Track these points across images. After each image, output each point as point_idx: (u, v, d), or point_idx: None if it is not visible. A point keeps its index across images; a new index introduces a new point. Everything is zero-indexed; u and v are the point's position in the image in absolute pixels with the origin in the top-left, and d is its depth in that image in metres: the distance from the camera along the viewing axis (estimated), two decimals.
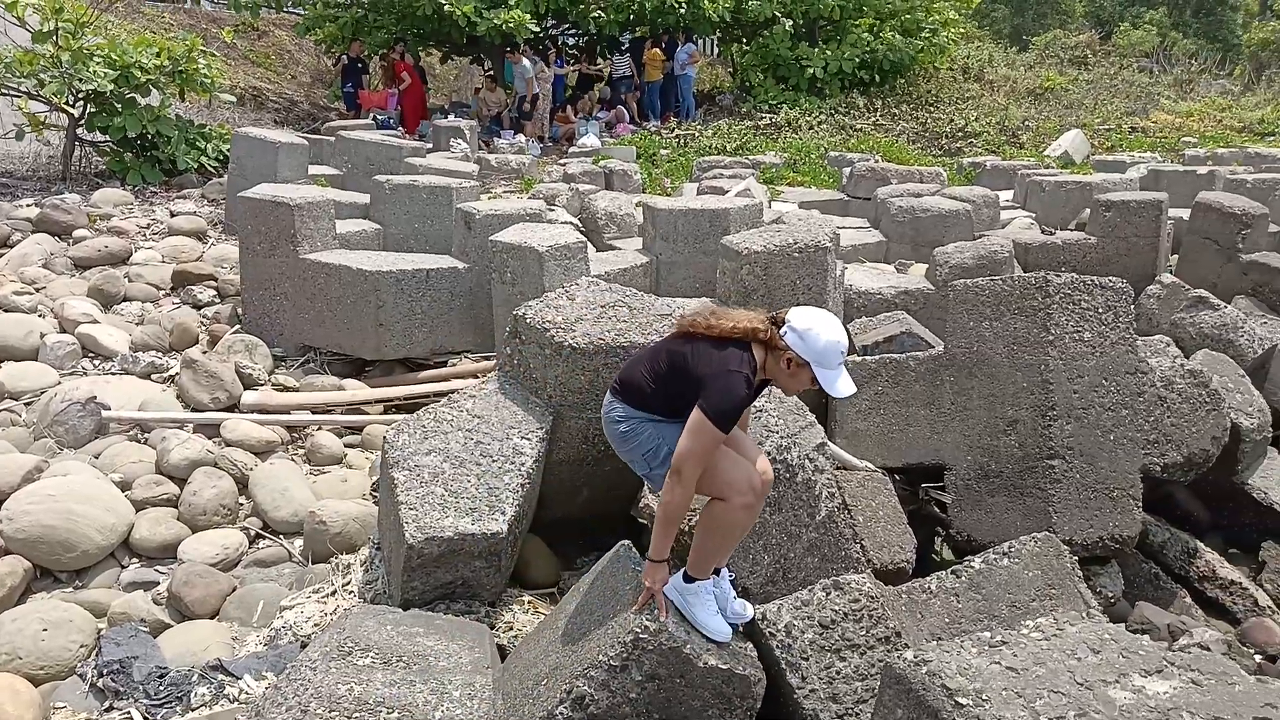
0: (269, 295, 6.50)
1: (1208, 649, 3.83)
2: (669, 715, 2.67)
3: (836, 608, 2.91)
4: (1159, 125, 16.68)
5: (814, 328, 2.78)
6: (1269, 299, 6.75)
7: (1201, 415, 4.40)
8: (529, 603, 3.80)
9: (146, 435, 5.14)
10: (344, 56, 16.80)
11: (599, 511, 4.24)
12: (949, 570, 3.10)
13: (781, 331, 2.81)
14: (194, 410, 5.41)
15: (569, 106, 16.41)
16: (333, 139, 10.78)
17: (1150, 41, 26.36)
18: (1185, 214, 7.84)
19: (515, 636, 3.53)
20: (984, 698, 1.92)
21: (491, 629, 3.48)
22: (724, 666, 2.71)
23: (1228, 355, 5.27)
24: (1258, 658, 4.06)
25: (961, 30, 20.89)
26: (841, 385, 2.80)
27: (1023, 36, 29.27)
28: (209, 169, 11.07)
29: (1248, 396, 4.90)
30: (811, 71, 17.45)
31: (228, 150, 10.66)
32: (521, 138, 15.02)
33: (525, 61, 15.91)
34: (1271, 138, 15.91)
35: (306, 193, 6.71)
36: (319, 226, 6.46)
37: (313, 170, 9.53)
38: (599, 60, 17.92)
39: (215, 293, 7.43)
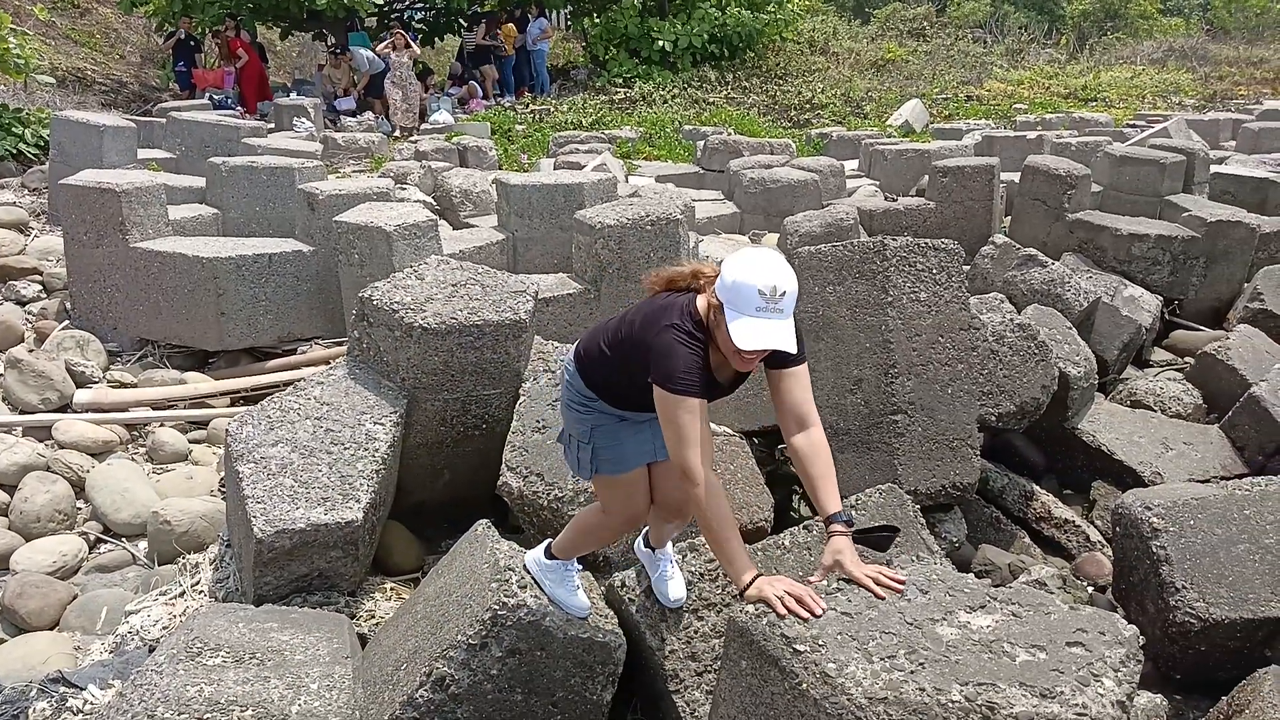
0: (99, 288, 6.13)
1: (1044, 584, 4.10)
2: (531, 688, 2.68)
3: (693, 569, 2.97)
4: (992, 94, 17.53)
5: (735, 265, 2.37)
6: (1093, 255, 7.20)
7: (1031, 366, 4.66)
8: (391, 589, 3.73)
9: None
10: (177, 33, 15.89)
11: (462, 494, 4.19)
12: (801, 525, 3.20)
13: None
14: (22, 413, 5.07)
15: (421, 81, 15.99)
16: (164, 120, 10.22)
17: (983, 13, 27.57)
18: (1016, 177, 8.27)
19: (377, 624, 3.46)
20: (820, 643, 2.01)
21: (352, 618, 3.41)
22: (584, 635, 2.73)
23: (1056, 309, 5.60)
24: (1089, 589, 4.36)
25: (806, 4, 21.40)
26: (744, 332, 2.31)
27: (865, 9, 30.16)
28: (28, 156, 10.32)
29: (1075, 347, 5.22)
30: (662, 45, 17.57)
31: (48, 135, 9.97)
32: (369, 115, 14.57)
33: (363, 52, 15.35)
34: (1094, 103, 16.94)
35: (134, 177, 6.34)
36: (150, 213, 6.12)
37: (143, 154, 9.01)
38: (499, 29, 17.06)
39: (41, 287, 6.96)
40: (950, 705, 1.91)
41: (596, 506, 2.92)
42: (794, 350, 2.39)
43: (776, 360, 2.49)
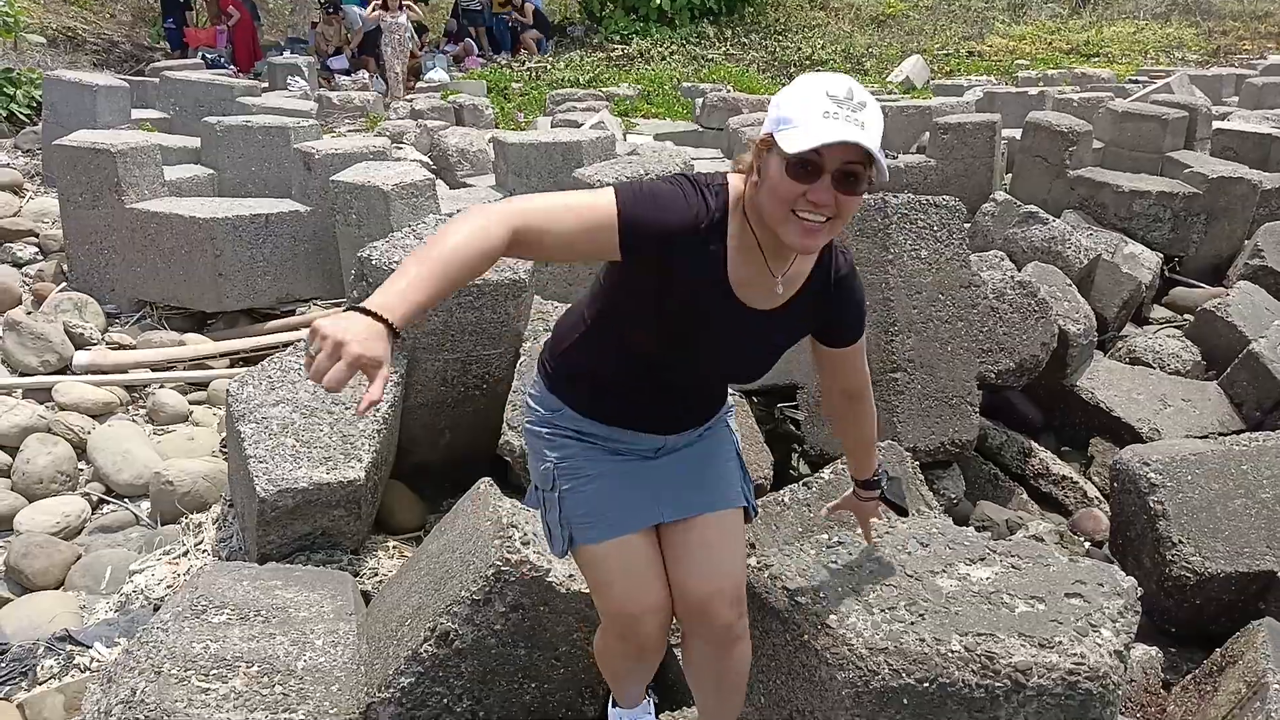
0: (96, 249, 6.10)
1: (1041, 539, 4.13)
2: (534, 643, 2.70)
3: None
4: (994, 49, 17.34)
5: (790, 87, 1.71)
6: (1094, 212, 7.18)
7: (1031, 323, 4.66)
8: (394, 548, 3.76)
9: None
10: None
11: (463, 453, 4.21)
12: (800, 482, 3.22)
13: None
14: (22, 375, 5.06)
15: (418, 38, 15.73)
16: (157, 80, 10.11)
17: None
18: (1018, 134, 8.21)
19: (380, 582, 3.49)
20: (821, 595, 2.03)
21: (356, 576, 3.43)
22: (587, 591, 2.75)
23: (1056, 266, 5.59)
24: (1086, 544, 4.40)
25: None
26: (803, 133, 1.59)
27: None
28: (20, 117, 10.21)
29: (1074, 304, 5.22)
30: (659, 1, 17.35)
31: (40, 96, 9.86)
32: (364, 73, 14.41)
33: (355, 10, 15.01)
34: (1096, 58, 16.77)
35: (129, 138, 6.29)
36: (145, 174, 6.07)
37: (136, 114, 8.92)
38: None
39: (37, 250, 6.91)
40: (950, 655, 1.93)
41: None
42: (882, 159, 1.63)
43: (831, 335, 1.95)
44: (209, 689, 2.50)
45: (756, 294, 1.82)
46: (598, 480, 1.97)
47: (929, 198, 4.28)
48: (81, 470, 4.45)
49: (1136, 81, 13.33)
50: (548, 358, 2.06)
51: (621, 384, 1.94)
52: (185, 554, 3.75)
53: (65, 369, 5.15)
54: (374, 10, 14.24)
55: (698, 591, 1.96)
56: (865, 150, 1.60)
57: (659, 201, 1.71)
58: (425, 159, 8.41)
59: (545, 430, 2.02)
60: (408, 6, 14.52)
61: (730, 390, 2.24)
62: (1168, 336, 5.94)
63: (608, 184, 5.27)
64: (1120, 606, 2.03)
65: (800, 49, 16.72)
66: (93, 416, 4.79)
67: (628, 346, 1.88)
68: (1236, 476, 3.62)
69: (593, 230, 1.67)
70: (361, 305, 1.43)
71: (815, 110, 1.61)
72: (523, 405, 2.13)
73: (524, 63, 15.95)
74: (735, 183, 1.80)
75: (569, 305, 2.19)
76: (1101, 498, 4.67)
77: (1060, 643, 1.94)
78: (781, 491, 3.17)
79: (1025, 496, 4.77)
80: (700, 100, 11.55)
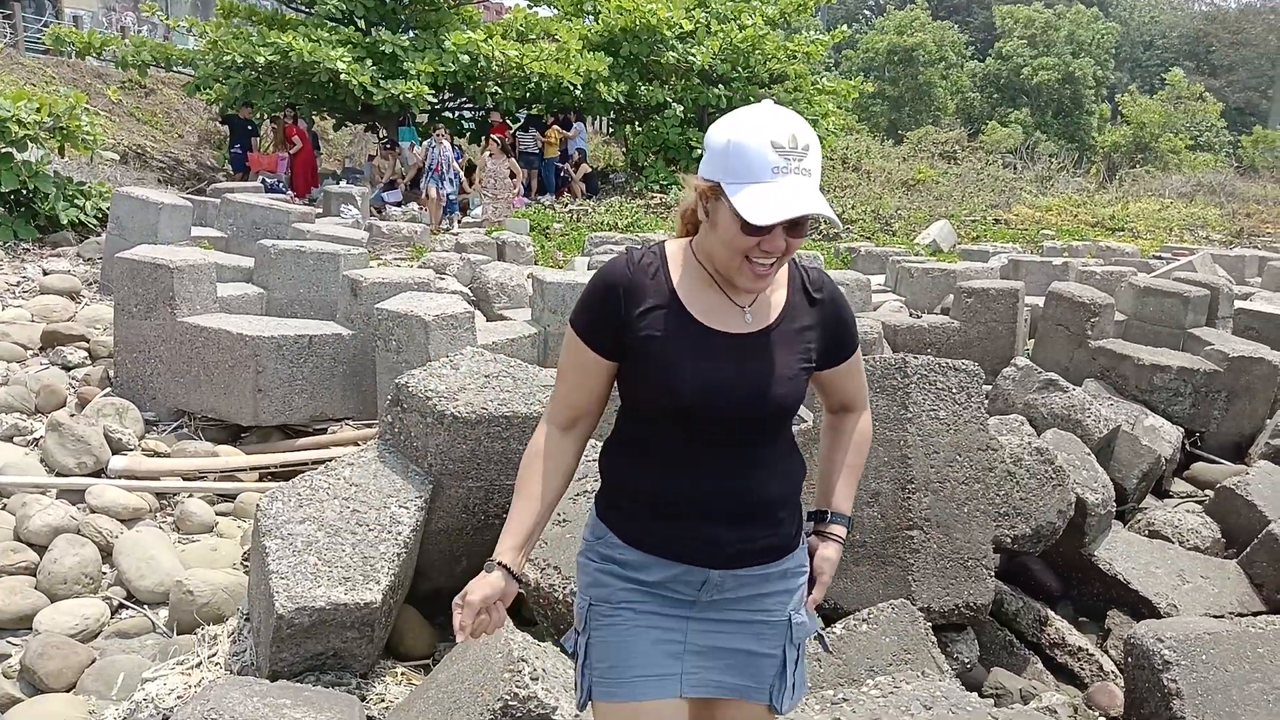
0: (143, 358, 6.34)
1: (1055, 712, 4.06)
2: None
3: None
4: (1020, 218, 17.85)
5: (725, 123, 1.71)
6: (1115, 383, 7.27)
7: (1048, 490, 4.70)
8: (402, 674, 3.77)
9: (5, 500, 4.92)
10: (228, 112, 16.53)
11: None
12: (813, 636, 3.24)
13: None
14: (58, 475, 5.21)
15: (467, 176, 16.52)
16: (218, 200, 10.63)
17: (1014, 139, 28.22)
18: (1041, 301, 8.41)
19: (386, 708, 3.50)
20: None
21: (363, 700, 3.45)
22: None
23: (1075, 435, 5.65)
24: (1101, 719, 4.31)
25: (841, 123, 22.05)
26: (754, 202, 1.62)
27: (898, 131, 30.96)
28: (87, 226, 10.76)
29: (1093, 473, 5.26)
30: (699, 154, 18.11)
31: (107, 208, 10.40)
32: (414, 205, 15.05)
33: (411, 146, 15.85)
34: (1121, 233, 17.19)
35: (187, 255, 6.61)
36: (199, 289, 6.37)
37: (196, 232, 9.37)
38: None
39: (87, 354, 7.18)
40: None
41: None
42: (832, 214, 1.70)
43: (828, 354, 1.93)
44: None
45: (727, 320, 1.83)
46: (628, 630, 1.88)
47: (949, 361, 4.41)
48: (105, 574, 4.53)
49: (1160, 257, 13.65)
50: (599, 494, 2.03)
51: (657, 482, 1.87)
52: (198, 665, 3.78)
53: (101, 472, 5.29)
54: (488, 157, 14.62)
55: None
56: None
57: (591, 285, 1.86)
58: (466, 290, 8.72)
59: (593, 561, 1.96)
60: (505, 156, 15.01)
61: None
62: (1187, 511, 5.93)
63: None
64: None
65: (831, 206, 17.29)
66: (122, 521, 4.90)
67: (654, 427, 1.87)
68: (1254, 659, 3.59)
69: (581, 357, 1.86)
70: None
71: (763, 165, 1.63)
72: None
73: (566, 205, 16.60)
74: (671, 243, 1.91)
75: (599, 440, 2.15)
76: (1118, 671, 4.60)
77: None
78: None
79: (1040, 666, 4.70)
80: None
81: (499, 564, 1.91)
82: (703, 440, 1.83)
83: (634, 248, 1.89)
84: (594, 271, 1.90)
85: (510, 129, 17.08)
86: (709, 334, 1.80)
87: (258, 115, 16.76)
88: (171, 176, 15.98)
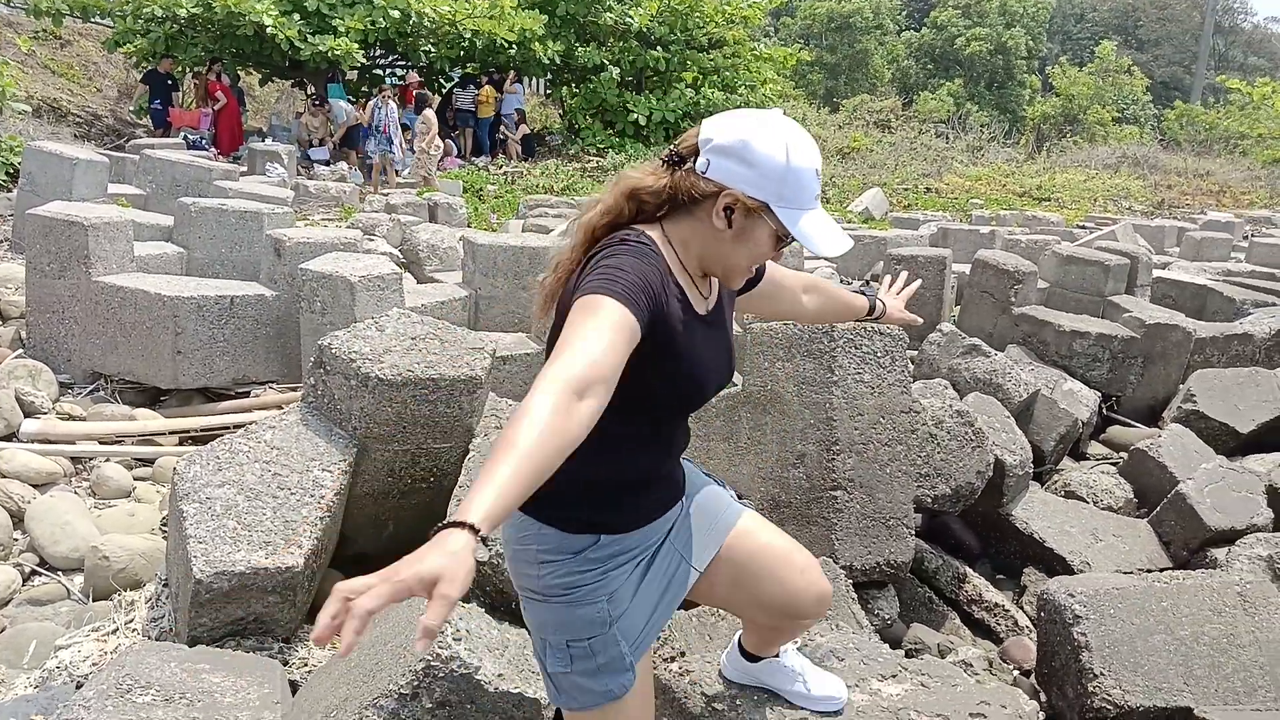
0: (57, 319, 6.12)
1: (970, 665, 4.19)
2: None
3: None
4: (951, 187, 18.14)
5: (754, 136, 1.65)
6: (1036, 348, 7.45)
7: (968, 452, 4.82)
8: None
9: None
10: (145, 67, 15.94)
11: (405, 546, 4.17)
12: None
13: (698, 165, 1.70)
14: None
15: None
16: (137, 157, 10.28)
17: (947, 109, 28.57)
18: (968, 269, 8.56)
19: (309, 672, 3.46)
20: (737, 702, 2.09)
21: (285, 665, 3.41)
22: (514, 690, 2.77)
23: (996, 398, 5.79)
24: (1015, 672, 4.46)
25: (779, 90, 22.09)
26: (820, 232, 1.67)
27: (834, 99, 31.12)
28: None
29: (1012, 435, 5.40)
30: (636, 117, 18.03)
31: (19, 163, 9.98)
32: (343, 165, 14.73)
33: (341, 104, 15.56)
34: (1047, 202, 17.57)
35: (103, 212, 6.38)
36: (115, 248, 6.16)
37: (113, 189, 9.05)
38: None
39: None
40: None
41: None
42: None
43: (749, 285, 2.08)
44: None
45: (701, 305, 1.85)
46: (635, 599, 1.88)
47: (874, 325, 4.47)
48: (17, 540, 4.40)
49: (1084, 227, 14.00)
50: (552, 511, 1.83)
51: (644, 466, 1.88)
52: (115, 632, 3.70)
53: (12, 436, 5.11)
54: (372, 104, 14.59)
55: (816, 586, 2.04)
56: None
57: (636, 265, 1.66)
58: (396, 251, 8.58)
59: (590, 571, 1.84)
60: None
61: None
62: (1102, 473, 6.12)
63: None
64: None
65: None
66: (34, 486, 4.75)
67: (648, 420, 1.82)
68: (1157, 613, 3.73)
69: (616, 316, 1.56)
70: (452, 521, 1.39)
71: (812, 192, 1.69)
72: (528, 575, 1.89)
73: (501, 166, 16.40)
74: (655, 234, 1.78)
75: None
76: (1032, 626, 4.75)
77: None
78: None
79: (958, 621, 4.83)
80: None
81: (470, 526, 1.37)
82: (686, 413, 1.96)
83: (630, 237, 1.74)
84: (605, 254, 1.70)
85: (415, 92, 16.62)
86: (702, 322, 1.83)
87: (179, 70, 16.19)
88: (89, 132, 15.37)
